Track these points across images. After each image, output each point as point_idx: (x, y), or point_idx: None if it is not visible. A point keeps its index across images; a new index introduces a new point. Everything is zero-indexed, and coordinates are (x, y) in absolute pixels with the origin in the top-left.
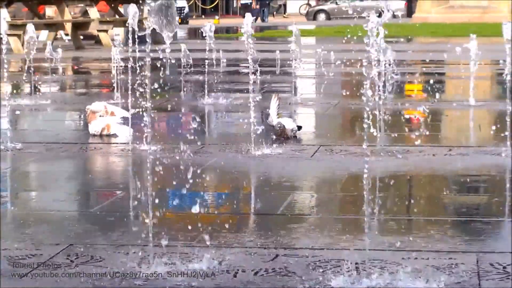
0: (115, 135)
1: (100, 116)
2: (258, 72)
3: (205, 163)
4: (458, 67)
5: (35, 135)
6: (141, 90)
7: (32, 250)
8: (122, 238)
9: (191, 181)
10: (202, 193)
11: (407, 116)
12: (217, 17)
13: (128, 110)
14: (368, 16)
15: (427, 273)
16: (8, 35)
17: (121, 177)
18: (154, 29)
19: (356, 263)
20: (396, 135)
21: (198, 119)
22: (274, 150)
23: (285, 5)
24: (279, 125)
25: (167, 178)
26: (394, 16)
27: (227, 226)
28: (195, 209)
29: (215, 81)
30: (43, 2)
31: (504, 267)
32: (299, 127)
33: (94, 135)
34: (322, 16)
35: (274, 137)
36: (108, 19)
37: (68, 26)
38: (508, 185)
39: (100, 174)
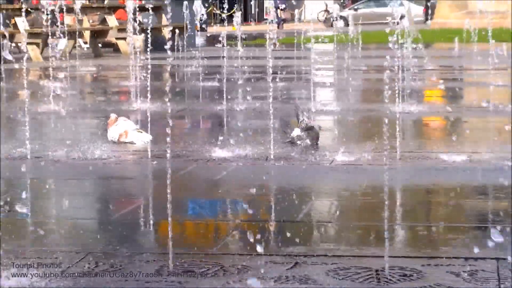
0: (132, 143)
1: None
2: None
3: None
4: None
5: (52, 143)
6: (161, 97)
7: (51, 258)
8: (142, 247)
9: (215, 189)
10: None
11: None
12: (235, 24)
13: (145, 116)
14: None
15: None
16: (27, 43)
17: (140, 186)
18: (172, 36)
19: (377, 270)
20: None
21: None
22: None
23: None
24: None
25: (187, 186)
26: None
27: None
28: (217, 216)
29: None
30: (61, 10)
31: None
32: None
33: (113, 142)
34: (340, 23)
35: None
36: (126, 27)
37: (87, 34)
38: None
39: (119, 182)
